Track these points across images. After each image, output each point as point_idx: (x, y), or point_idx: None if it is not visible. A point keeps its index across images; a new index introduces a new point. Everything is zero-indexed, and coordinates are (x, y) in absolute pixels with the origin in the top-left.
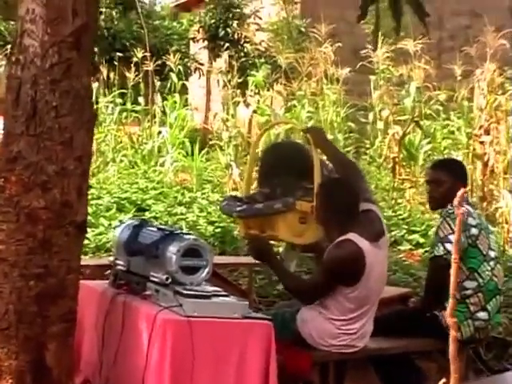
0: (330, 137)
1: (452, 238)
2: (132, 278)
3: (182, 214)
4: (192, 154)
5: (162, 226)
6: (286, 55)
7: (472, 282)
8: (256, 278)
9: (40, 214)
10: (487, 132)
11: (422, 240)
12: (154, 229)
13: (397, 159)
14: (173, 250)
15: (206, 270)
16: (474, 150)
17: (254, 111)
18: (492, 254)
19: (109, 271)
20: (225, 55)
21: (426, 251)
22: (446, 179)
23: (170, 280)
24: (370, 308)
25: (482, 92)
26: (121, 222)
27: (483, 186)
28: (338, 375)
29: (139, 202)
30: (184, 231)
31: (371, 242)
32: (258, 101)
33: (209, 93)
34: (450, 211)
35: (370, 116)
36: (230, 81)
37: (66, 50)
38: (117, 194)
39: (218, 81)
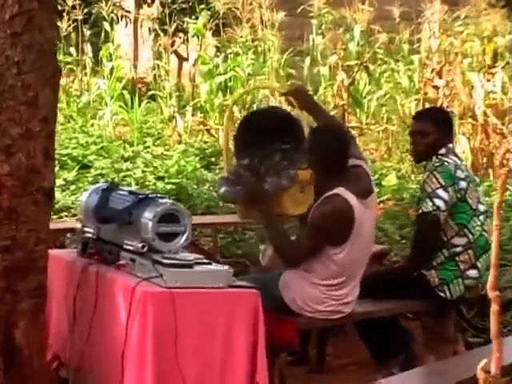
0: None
1: (440, 192)
2: (103, 246)
3: (127, 169)
4: (132, 107)
5: (133, 190)
6: (224, 0)
7: (462, 238)
8: (217, 236)
9: (4, 181)
10: (439, 75)
11: (376, 189)
12: (125, 193)
13: (345, 106)
14: (148, 216)
15: (185, 236)
16: (426, 94)
17: (196, 60)
18: (481, 207)
19: (67, 236)
20: (156, 1)
21: (381, 201)
22: (431, 130)
23: (146, 248)
24: (357, 272)
25: (433, 34)
26: (64, 181)
27: None
28: (319, 341)
29: (80, 159)
30: (158, 195)
31: (359, 198)
32: (200, 48)
33: (136, 41)
34: (436, 164)
35: (307, 61)
36: (163, 29)
37: (27, 0)
38: (57, 151)
39: (150, 28)
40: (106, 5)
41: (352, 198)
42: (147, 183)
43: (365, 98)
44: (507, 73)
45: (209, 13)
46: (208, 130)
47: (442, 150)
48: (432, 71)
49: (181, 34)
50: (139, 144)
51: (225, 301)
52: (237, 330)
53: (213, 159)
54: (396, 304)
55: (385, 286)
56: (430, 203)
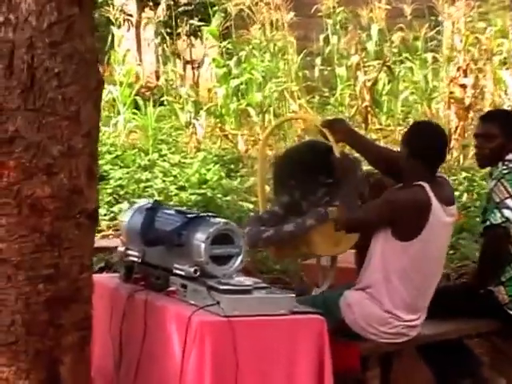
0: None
1: (510, 202)
2: (150, 271)
3: (147, 179)
4: (145, 113)
5: (180, 209)
6: (235, 1)
7: None
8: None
9: (46, 204)
10: (465, 74)
11: None
12: (172, 212)
13: (369, 108)
14: (201, 238)
15: (239, 258)
16: (452, 93)
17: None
18: None
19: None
20: (162, 4)
21: None
22: (498, 133)
23: (198, 272)
24: (428, 285)
25: (457, 31)
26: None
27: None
28: (383, 366)
29: None
30: (209, 213)
31: (441, 203)
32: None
33: (139, 45)
34: (504, 171)
35: (317, 61)
36: (168, 32)
37: (66, 6)
38: None
39: (156, 32)
40: (113, 8)
41: (433, 198)
42: (170, 194)
43: (386, 99)
44: None
45: (222, 14)
46: (226, 136)
47: (510, 156)
48: (458, 69)
49: (184, 37)
50: (154, 152)
51: (287, 329)
52: (301, 360)
53: (232, 166)
54: (464, 324)
55: (449, 304)
56: (498, 214)
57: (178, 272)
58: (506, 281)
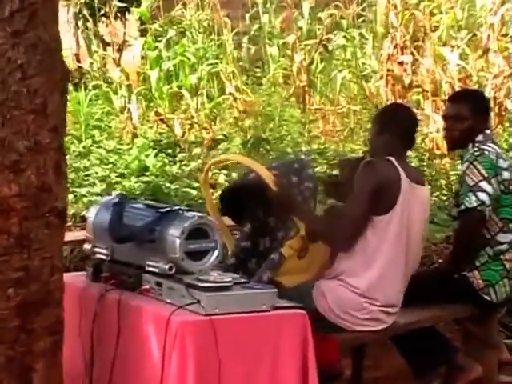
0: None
1: (484, 185)
2: (120, 269)
3: (85, 168)
4: (74, 98)
5: (150, 202)
6: None
7: (506, 234)
8: None
9: (13, 204)
10: (402, 51)
11: None
12: (141, 206)
13: (306, 88)
14: (175, 233)
15: (216, 253)
16: (389, 71)
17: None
18: None
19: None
20: None
21: None
22: (468, 114)
23: (174, 269)
24: (400, 263)
25: (393, 7)
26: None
27: None
28: (356, 357)
29: None
30: (181, 207)
31: (409, 178)
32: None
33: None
34: (476, 153)
35: (245, 40)
36: (91, 14)
37: None
38: None
39: (77, 13)
40: None
41: (402, 172)
42: (112, 182)
43: (321, 78)
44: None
45: None
46: (162, 120)
47: (480, 137)
48: (395, 47)
49: (103, 19)
50: (87, 138)
51: (270, 325)
52: (285, 356)
53: (170, 151)
54: (439, 311)
55: (422, 291)
56: (473, 198)
57: (151, 269)
58: (480, 265)
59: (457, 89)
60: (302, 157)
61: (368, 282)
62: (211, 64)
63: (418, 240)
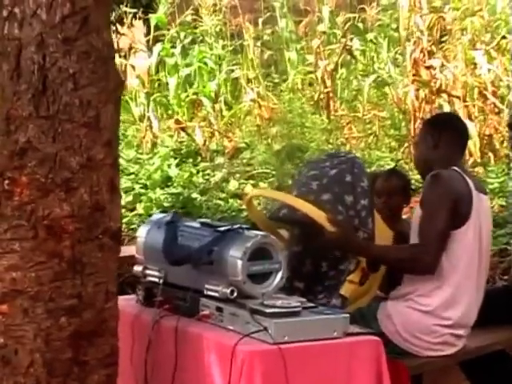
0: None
1: None
2: (175, 292)
3: None
4: None
5: (205, 221)
6: None
7: None
8: None
9: (65, 225)
10: (430, 56)
11: None
12: (196, 225)
13: (331, 94)
14: (236, 254)
15: (279, 275)
16: (415, 76)
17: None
18: None
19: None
20: None
21: None
22: None
23: (235, 293)
24: (473, 279)
25: (419, 10)
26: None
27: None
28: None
29: None
30: (241, 225)
31: (476, 189)
32: (161, 41)
33: None
34: None
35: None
36: None
37: None
38: None
39: None
40: None
41: (468, 180)
42: (137, 193)
43: (345, 84)
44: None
45: (170, 0)
46: (183, 129)
47: None
48: (422, 51)
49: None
50: None
51: (343, 354)
52: None
53: (191, 160)
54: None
55: (491, 311)
56: None
57: (210, 293)
58: None
59: (489, 94)
60: (350, 155)
61: (440, 300)
62: (231, 70)
63: (487, 253)
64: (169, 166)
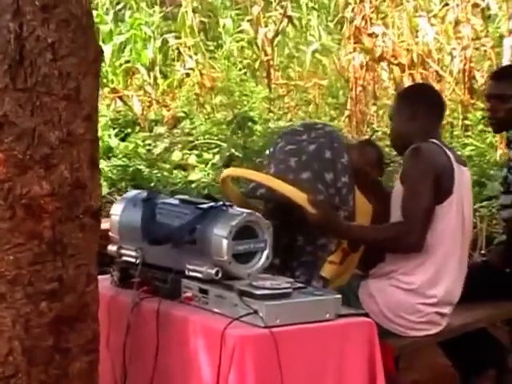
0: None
1: None
2: (153, 273)
3: None
4: None
5: (185, 197)
6: None
7: None
8: None
9: (45, 204)
10: (371, 22)
11: None
12: (175, 201)
13: (271, 62)
14: (221, 233)
15: (265, 254)
16: (357, 43)
17: None
18: None
19: None
20: None
21: None
22: None
23: (220, 274)
24: (456, 254)
25: None
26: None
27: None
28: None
29: None
30: (225, 202)
31: (457, 162)
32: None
33: None
34: None
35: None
36: None
37: None
38: None
39: None
40: None
41: (448, 152)
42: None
43: (288, 52)
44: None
45: None
46: (120, 98)
47: None
48: (363, 18)
49: None
50: None
51: (336, 336)
52: (351, 367)
53: (129, 130)
54: (494, 310)
55: (471, 287)
56: None
57: (192, 274)
58: None
59: (430, 62)
60: (328, 127)
61: (424, 278)
62: (168, 37)
63: (470, 227)
64: (109, 136)
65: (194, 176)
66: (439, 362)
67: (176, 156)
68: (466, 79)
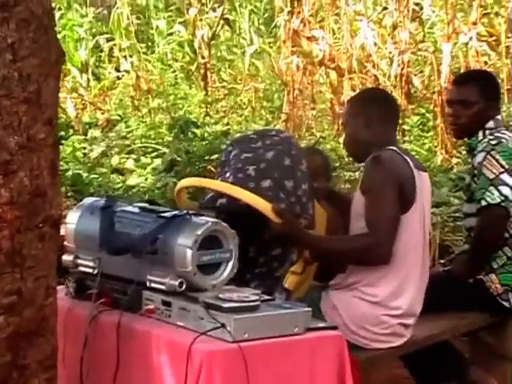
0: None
1: (505, 177)
2: (112, 284)
3: None
4: None
5: (144, 205)
6: None
7: None
8: None
9: (3, 213)
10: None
11: None
12: (135, 209)
13: (208, 65)
14: (186, 243)
15: (230, 264)
16: (295, 46)
17: None
18: None
19: None
20: None
21: None
22: (476, 98)
23: (184, 285)
24: (419, 264)
25: None
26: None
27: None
28: None
29: None
30: (188, 211)
31: (416, 167)
32: None
33: None
34: (493, 142)
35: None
36: None
37: None
38: None
39: None
40: None
41: (407, 159)
42: None
43: (225, 54)
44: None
45: None
46: None
47: (490, 124)
48: (302, 21)
49: None
50: None
51: (305, 350)
52: (321, 382)
53: (62, 133)
54: (457, 321)
55: (434, 297)
56: (496, 193)
57: (154, 286)
58: (498, 268)
59: (369, 66)
60: (283, 134)
61: (388, 290)
62: (103, 39)
63: (428, 233)
64: None
65: (132, 181)
66: (398, 373)
67: (114, 160)
68: (404, 84)
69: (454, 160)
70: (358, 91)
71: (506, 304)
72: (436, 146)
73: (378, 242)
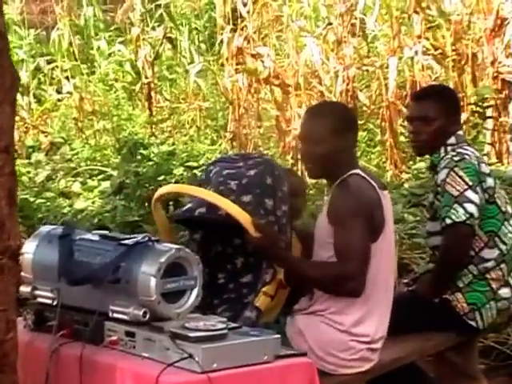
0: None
1: (470, 194)
2: (72, 315)
3: None
4: None
5: (104, 233)
6: None
7: (492, 250)
8: None
9: None
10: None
11: None
12: (94, 237)
13: (152, 85)
14: (149, 271)
15: (195, 292)
16: (240, 64)
17: None
18: (510, 209)
19: None
20: None
21: None
22: (436, 114)
23: (148, 315)
24: (386, 289)
25: None
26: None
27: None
28: None
29: None
30: (150, 237)
31: (379, 188)
32: None
33: None
34: (456, 158)
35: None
36: None
37: None
38: None
39: None
40: None
41: (372, 182)
42: None
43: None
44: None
45: None
46: None
47: (452, 140)
48: (245, 38)
49: None
50: None
51: (275, 379)
52: None
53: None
54: (424, 342)
55: (399, 318)
56: (460, 210)
57: (117, 316)
58: (464, 286)
59: (316, 83)
60: (266, 157)
61: (356, 317)
62: (44, 61)
63: (395, 255)
64: None
65: (79, 204)
66: None
67: (60, 184)
68: (349, 99)
69: (405, 175)
70: (319, 104)
71: (472, 323)
72: (384, 162)
73: (350, 276)
